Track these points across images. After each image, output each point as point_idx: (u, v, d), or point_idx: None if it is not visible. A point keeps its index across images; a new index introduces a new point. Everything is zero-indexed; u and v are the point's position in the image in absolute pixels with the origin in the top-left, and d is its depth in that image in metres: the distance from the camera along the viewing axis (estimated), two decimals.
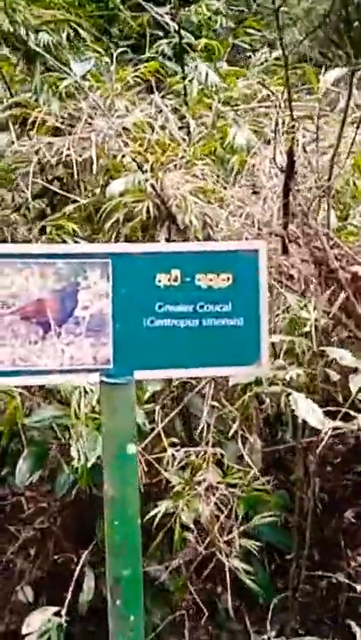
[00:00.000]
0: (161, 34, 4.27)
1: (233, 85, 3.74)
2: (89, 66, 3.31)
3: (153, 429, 2.64)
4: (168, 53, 3.94)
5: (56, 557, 2.99)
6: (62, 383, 2.45)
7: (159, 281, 2.12)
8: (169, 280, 2.12)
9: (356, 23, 5.73)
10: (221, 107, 3.76)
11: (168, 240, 2.82)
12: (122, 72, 3.55)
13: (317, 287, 2.91)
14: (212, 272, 2.14)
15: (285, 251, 3.07)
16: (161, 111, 3.57)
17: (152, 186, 2.82)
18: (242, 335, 2.14)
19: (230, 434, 2.69)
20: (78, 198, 3.14)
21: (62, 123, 3.37)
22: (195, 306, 2.14)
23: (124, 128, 3.25)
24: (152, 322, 2.12)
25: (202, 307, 2.14)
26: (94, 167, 3.04)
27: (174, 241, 2.86)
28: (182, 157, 3.08)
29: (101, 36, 4.19)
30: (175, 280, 2.13)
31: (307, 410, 2.35)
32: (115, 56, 3.50)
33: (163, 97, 3.72)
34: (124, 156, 3.07)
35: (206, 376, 2.68)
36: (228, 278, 2.15)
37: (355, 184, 3.33)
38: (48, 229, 3.05)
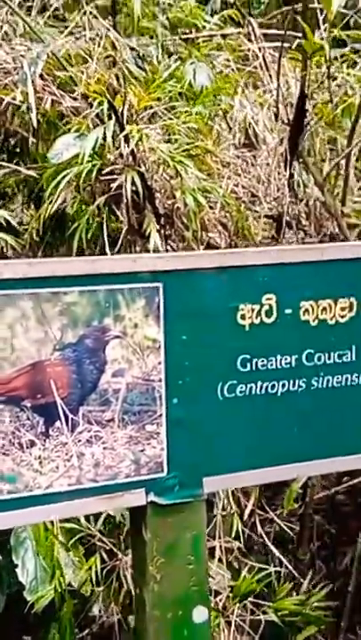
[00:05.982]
0: None
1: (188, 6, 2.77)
2: None
3: None
4: None
5: None
6: (79, 514, 1.46)
7: (243, 317, 1.19)
8: (259, 315, 1.20)
9: None
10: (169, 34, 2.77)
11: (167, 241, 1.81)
12: None
13: None
14: (325, 298, 1.24)
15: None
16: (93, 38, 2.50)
17: (132, 152, 1.82)
18: None
19: None
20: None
21: None
22: (300, 356, 1.23)
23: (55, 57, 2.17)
24: (232, 389, 1.20)
25: (310, 357, 1.24)
26: (29, 117, 1.96)
27: (169, 242, 1.85)
28: (158, 101, 2.09)
29: None
30: (269, 315, 1.21)
31: None
32: None
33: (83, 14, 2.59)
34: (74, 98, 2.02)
35: (319, 473, 1.79)
36: (351, 307, 1.26)
37: None
38: None
